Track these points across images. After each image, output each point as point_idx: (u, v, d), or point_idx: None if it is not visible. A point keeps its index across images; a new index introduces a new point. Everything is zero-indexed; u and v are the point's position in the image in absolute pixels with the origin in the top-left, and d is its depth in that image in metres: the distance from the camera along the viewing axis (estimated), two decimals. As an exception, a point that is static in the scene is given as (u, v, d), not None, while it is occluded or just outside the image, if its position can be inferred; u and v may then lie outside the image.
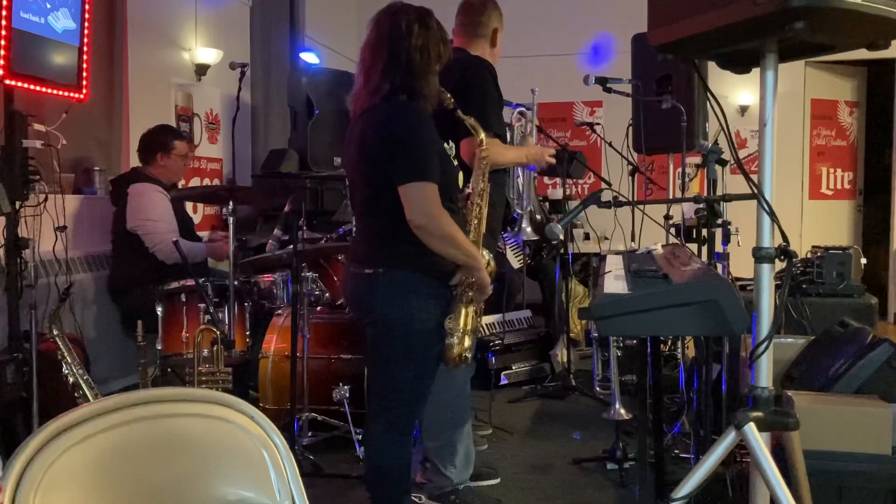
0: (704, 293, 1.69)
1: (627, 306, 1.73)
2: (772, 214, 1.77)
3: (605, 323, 1.77)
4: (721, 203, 2.87)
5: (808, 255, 3.59)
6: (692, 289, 1.72)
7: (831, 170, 7.13)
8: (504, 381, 4.60)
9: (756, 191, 1.79)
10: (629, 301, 1.74)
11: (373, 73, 2.10)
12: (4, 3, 2.76)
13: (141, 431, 1.17)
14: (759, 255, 1.80)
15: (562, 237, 2.29)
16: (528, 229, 3.11)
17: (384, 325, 2.11)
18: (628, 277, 2.05)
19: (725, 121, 1.87)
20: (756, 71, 1.85)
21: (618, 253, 2.95)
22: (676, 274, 1.96)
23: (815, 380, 2.69)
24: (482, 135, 2.44)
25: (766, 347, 1.77)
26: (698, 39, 1.77)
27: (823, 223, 6.99)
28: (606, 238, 6.47)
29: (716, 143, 3.42)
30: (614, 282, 2.01)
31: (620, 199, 2.43)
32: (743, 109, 7.02)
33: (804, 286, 3.40)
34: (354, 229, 2.31)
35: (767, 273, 1.80)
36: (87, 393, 2.44)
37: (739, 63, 1.98)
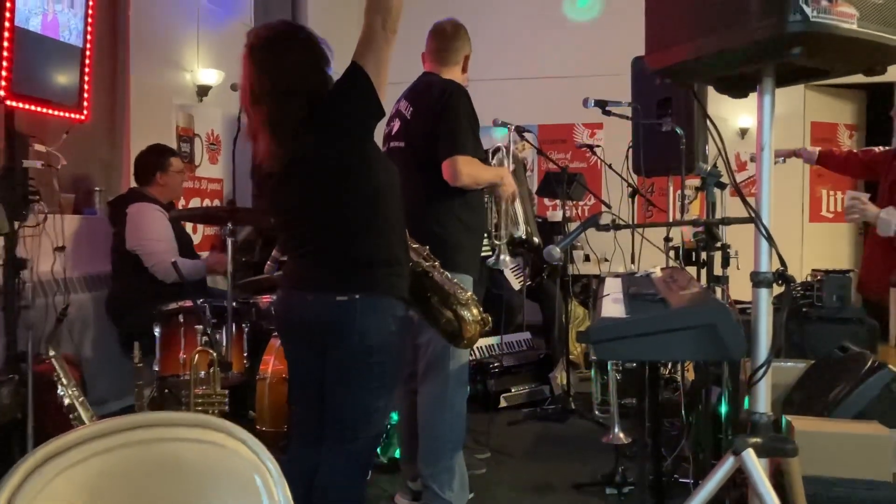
0: (702, 317, 1.68)
1: (624, 330, 1.72)
2: (769, 239, 1.77)
3: (602, 347, 1.76)
4: (720, 226, 2.87)
5: (808, 279, 3.59)
6: (689, 313, 1.71)
7: (831, 192, 7.14)
8: (503, 404, 4.57)
9: (753, 215, 1.79)
10: (626, 325, 1.73)
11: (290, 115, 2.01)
12: (7, 25, 2.78)
13: (132, 456, 1.16)
14: (757, 280, 1.80)
15: (560, 259, 2.29)
16: (507, 258, 3.09)
17: (362, 353, 2.04)
18: (626, 301, 2.05)
19: (723, 145, 1.87)
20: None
21: (617, 275, 2.94)
22: (674, 298, 1.95)
23: (816, 405, 2.67)
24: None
25: (765, 372, 1.76)
26: (696, 64, 1.77)
27: (824, 246, 6.99)
28: (607, 260, 6.46)
29: (714, 166, 3.42)
30: (612, 305, 2.01)
31: (619, 221, 2.43)
32: (743, 132, 7.05)
33: (804, 310, 3.40)
34: (298, 255, 2.17)
35: (765, 297, 1.80)
36: (83, 415, 2.42)
37: (737, 87, 1.99)
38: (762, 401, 1.81)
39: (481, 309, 2.38)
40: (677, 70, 1.81)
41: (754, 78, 1.81)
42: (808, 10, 1.51)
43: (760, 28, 1.55)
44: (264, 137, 2.01)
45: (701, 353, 1.71)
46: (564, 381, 4.63)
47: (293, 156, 2.00)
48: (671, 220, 5.04)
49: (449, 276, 2.36)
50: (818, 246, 6.99)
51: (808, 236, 7.12)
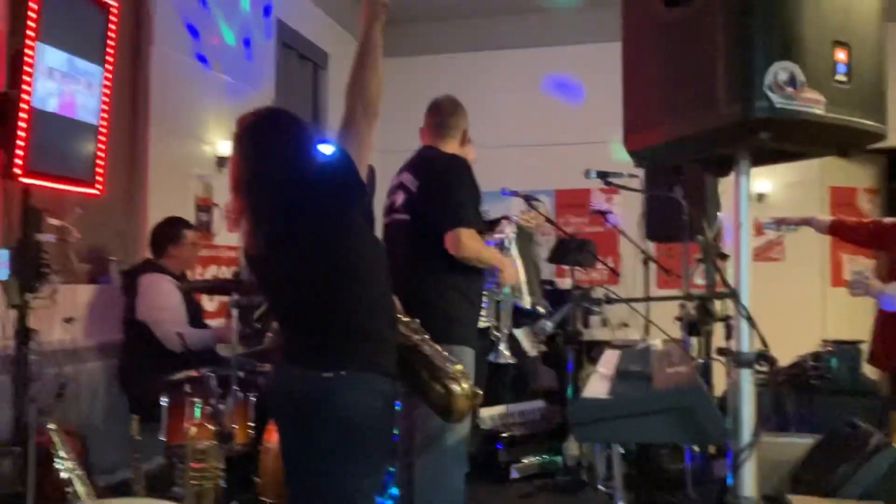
0: (679, 400, 1.66)
1: (603, 412, 1.72)
2: (748, 318, 1.76)
3: (582, 428, 1.75)
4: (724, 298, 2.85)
5: (818, 350, 3.53)
6: (667, 396, 1.70)
7: (852, 257, 7.05)
8: (514, 475, 4.50)
9: (732, 292, 1.78)
10: (605, 407, 1.72)
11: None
12: (24, 107, 2.91)
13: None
14: (739, 360, 1.78)
15: (549, 332, 2.30)
16: (506, 352, 3.08)
17: (347, 429, 2.02)
18: (613, 379, 2.04)
19: (703, 228, 1.89)
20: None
21: (621, 346, 2.92)
22: (660, 377, 1.94)
23: (821, 483, 2.61)
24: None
25: (748, 455, 1.74)
26: (671, 146, 1.81)
27: (847, 311, 6.84)
28: (625, 325, 6.40)
29: (715, 236, 3.42)
30: (597, 383, 2.00)
31: (611, 295, 2.43)
32: (760, 197, 7.02)
33: (813, 382, 3.34)
34: (286, 331, 2.19)
35: (747, 378, 1.78)
36: (79, 489, 2.43)
37: (718, 166, 2.01)
38: (748, 484, 1.78)
39: (472, 383, 2.37)
40: (653, 152, 1.84)
41: (732, 158, 1.83)
42: (773, 97, 1.54)
43: (728, 114, 1.58)
44: (245, 222, 2.06)
45: (679, 435, 1.69)
46: (577, 452, 4.55)
47: (274, 238, 2.04)
48: (686, 288, 5.02)
49: (439, 348, 2.37)
50: (840, 311, 6.85)
51: (829, 301, 7.00)
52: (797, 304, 6.70)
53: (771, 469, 2.77)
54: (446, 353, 2.36)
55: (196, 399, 3.14)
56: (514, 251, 3.73)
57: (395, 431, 2.60)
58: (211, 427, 2.80)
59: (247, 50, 5.71)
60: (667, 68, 1.76)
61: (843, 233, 3.87)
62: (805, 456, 2.88)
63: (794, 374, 3.44)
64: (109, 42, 3.35)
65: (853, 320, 6.64)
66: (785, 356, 3.62)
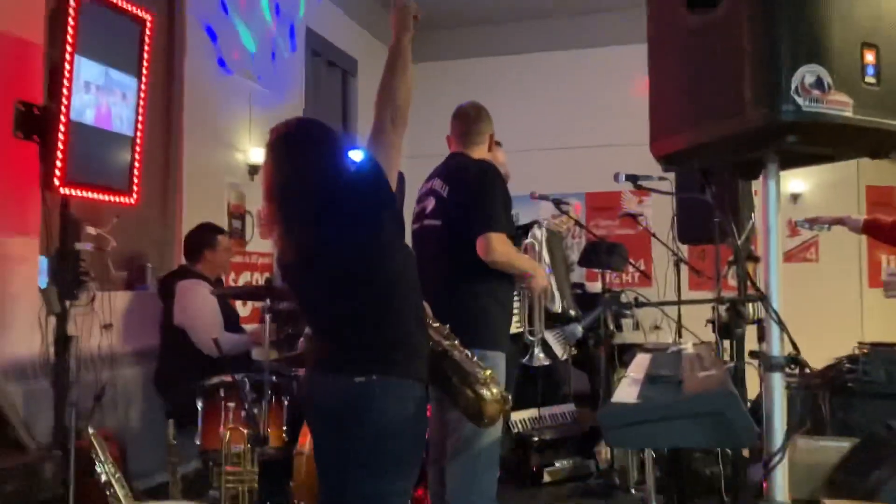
0: (710, 405, 1.65)
1: (633, 417, 1.71)
2: (779, 322, 1.75)
3: (613, 433, 1.75)
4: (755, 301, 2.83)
5: (855, 352, 3.48)
6: (698, 400, 1.69)
7: (891, 257, 6.93)
8: (546, 479, 4.49)
9: (762, 296, 1.77)
10: (634, 411, 1.72)
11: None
12: (63, 119, 2.98)
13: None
14: (769, 364, 1.77)
15: (579, 336, 2.31)
16: (541, 355, 3.09)
17: (379, 435, 2.05)
18: (644, 382, 2.03)
19: (733, 231, 1.88)
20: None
21: (651, 350, 2.91)
22: (691, 381, 1.94)
23: (857, 487, 2.58)
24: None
25: (780, 460, 1.73)
26: (698, 150, 1.80)
27: (885, 312, 6.74)
28: (658, 327, 6.36)
29: (747, 239, 3.39)
30: (627, 388, 1.99)
31: (641, 298, 2.43)
32: (795, 197, 6.94)
33: (849, 384, 3.29)
34: (319, 337, 2.22)
35: (778, 382, 1.77)
36: (118, 491, 2.50)
37: (746, 170, 2.00)
38: (780, 488, 1.77)
39: (502, 388, 2.38)
40: (679, 157, 1.84)
41: (761, 161, 1.82)
42: (799, 100, 1.53)
43: (754, 118, 1.58)
44: (277, 231, 2.10)
45: (710, 440, 1.68)
46: (609, 455, 4.54)
47: (306, 247, 2.08)
48: (718, 291, 4.97)
49: (469, 354, 2.38)
50: (878, 313, 6.74)
51: (867, 303, 6.88)
52: (833, 305, 6.61)
53: (806, 473, 2.74)
54: (476, 359, 2.38)
55: (230, 404, 3.19)
56: (545, 255, 3.75)
57: (427, 436, 2.61)
58: (245, 431, 2.84)
59: (277, 59, 5.78)
60: (693, 72, 1.76)
61: (878, 232, 3.80)
62: (841, 460, 2.84)
63: (830, 377, 3.39)
64: (144, 54, 3.42)
65: (891, 322, 6.55)
66: (821, 358, 3.57)
